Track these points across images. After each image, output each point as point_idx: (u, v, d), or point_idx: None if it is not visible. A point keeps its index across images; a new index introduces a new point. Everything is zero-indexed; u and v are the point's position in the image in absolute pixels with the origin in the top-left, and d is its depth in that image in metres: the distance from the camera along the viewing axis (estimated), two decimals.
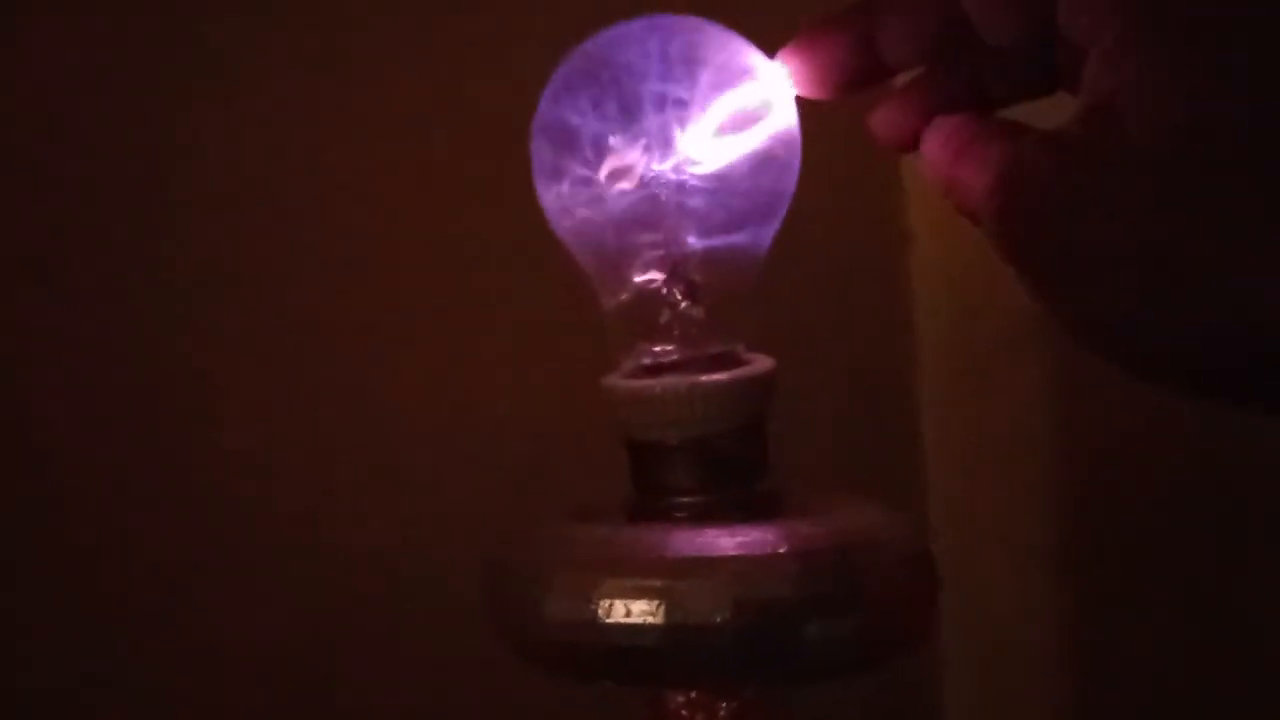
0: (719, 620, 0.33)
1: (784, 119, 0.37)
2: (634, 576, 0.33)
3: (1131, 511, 0.61)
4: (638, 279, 0.38)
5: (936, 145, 0.35)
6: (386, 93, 0.52)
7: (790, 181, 0.38)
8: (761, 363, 0.38)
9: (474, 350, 0.54)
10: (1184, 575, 0.60)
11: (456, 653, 0.51)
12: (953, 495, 0.66)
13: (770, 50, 0.37)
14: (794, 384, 0.61)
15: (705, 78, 0.37)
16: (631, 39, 0.37)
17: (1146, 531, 0.61)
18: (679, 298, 0.38)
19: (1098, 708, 0.63)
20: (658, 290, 0.38)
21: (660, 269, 0.38)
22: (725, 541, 0.34)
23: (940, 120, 0.36)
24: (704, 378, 0.37)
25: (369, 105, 0.52)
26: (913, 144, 0.36)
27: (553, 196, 0.38)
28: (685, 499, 0.37)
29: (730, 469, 0.37)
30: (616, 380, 0.38)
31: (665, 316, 0.39)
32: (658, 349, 0.38)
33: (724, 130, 0.37)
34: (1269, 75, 0.30)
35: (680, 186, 0.37)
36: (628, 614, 0.33)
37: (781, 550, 0.34)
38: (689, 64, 0.37)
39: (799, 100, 0.37)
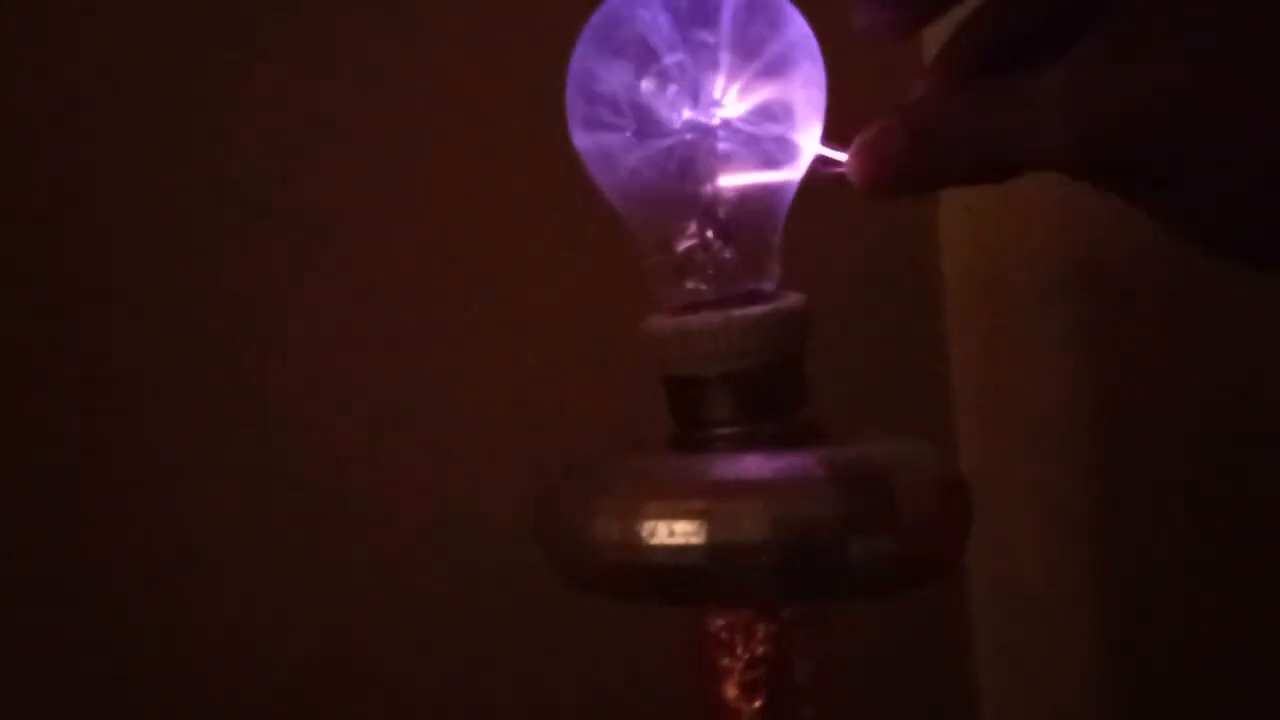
0: (759, 539, 0.34)
1: (808, 66, 0.38)
2: (676, 499, 0.35)
3: (1157, 468, 0.62)
4: (673, 221, 0.40)
5: (953, 110, 0.36)
6: (393, 90, 0.53)
7: (813, 129, 0.38)
8: (795, 298, 0.39)
9: (485, 348, 0.55)
10: (1210, 530, 0.60)
11: (479, 653, 0.52)
12: (981, 453, 0.67)
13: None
14: (823, 347, 0.62)
15: (734, 27, 0.38)
16: None
17: (1171, 487, 0.61)
18: (713, 238, 0.40)
19: (1127, 662, 0.63)
20: (692, 231, 0.40)
21: (694, 210, 0.40)
22: (764, 465, 0.35)
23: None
24: (738, 312, 0.38)
25: (377, 102, 0.53)
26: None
27: (588, 144, 0.39)
28: (725, 430, 0.38)
29: (767, 400, 0.38)
30: (654, 319, 0.39)
31: (700, 256, 0.40)
32: (693, 288, 0.40)
33: (751, 77, 0.38)
34: None
35: (709, 130, 0.39)
36: (671, 535, 0.34)
37: (819, 473, 0.35)
38: (716, 12, 0.38)
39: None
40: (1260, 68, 0.31)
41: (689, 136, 0.39)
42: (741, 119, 0.39)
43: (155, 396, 0.50)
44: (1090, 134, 0.33)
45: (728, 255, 0.40)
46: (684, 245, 0.40)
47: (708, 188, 0.39)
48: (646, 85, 0.39)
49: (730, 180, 0.39)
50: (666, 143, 0.39)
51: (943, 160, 0.36)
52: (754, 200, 0.39)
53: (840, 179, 0.38)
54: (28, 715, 0.48)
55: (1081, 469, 0.64)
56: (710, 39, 0.38)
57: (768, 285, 0.40)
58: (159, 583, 0.50)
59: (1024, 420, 0.66)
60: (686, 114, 0.39)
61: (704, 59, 0.38)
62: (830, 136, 0.39)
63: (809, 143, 0.39)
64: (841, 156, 0.38)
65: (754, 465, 0.35)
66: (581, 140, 0.39)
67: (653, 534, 0.34)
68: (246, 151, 0.51)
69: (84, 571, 0.49)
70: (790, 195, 0.40)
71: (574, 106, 0.39)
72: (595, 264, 0.54)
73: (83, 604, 0.49)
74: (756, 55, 0.38)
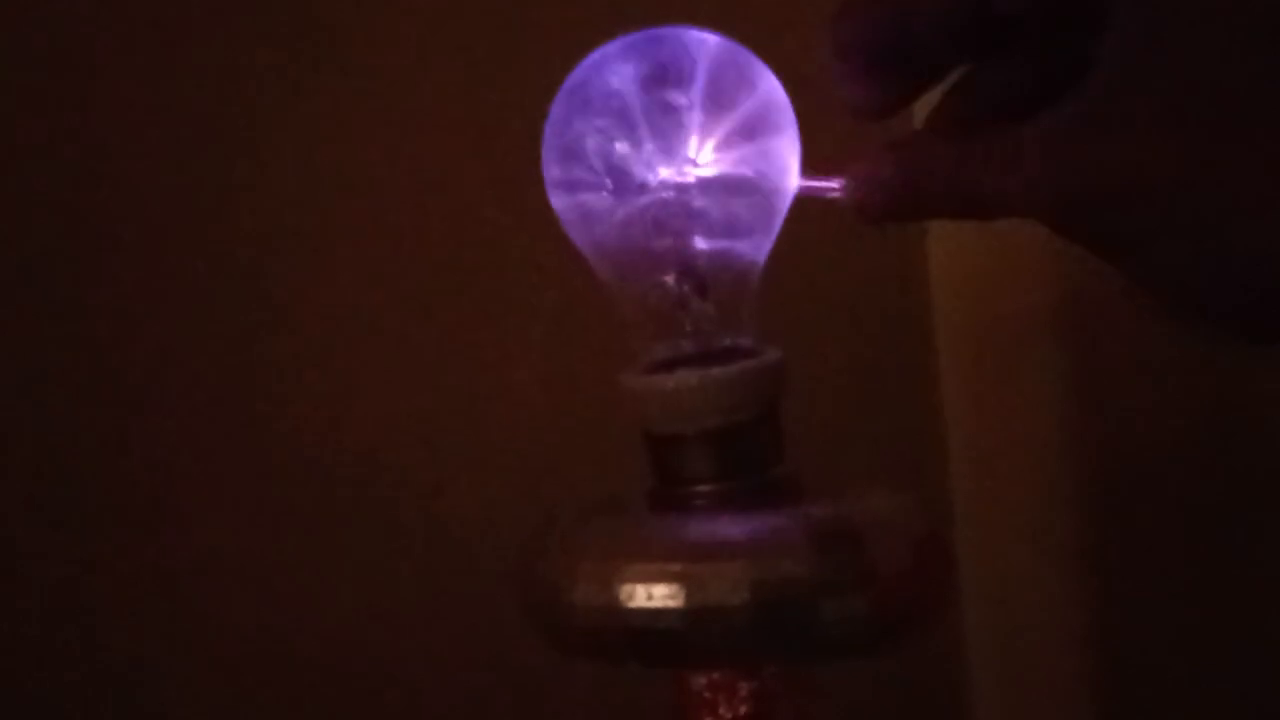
0: (737, 602, 0.34)
1: (782, 124, 0.39)
2: (654, 562, 0.35)
3: (1149, 502, 0.62)
4: (650, 279, 0.40)
5: (940, 152, 0.36)
6: (404, 93, 0.53)
7: (787, 186, 0.39)
8: (770, 354, 0.39)
9: (495, 347, 0.55)
10: (1204, 563, 0.60)
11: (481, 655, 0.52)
12: (975, 490, 0.67)
13: (769, 55, 0.39)
14: (814, 383, 0.63)
15: (706, 85, 0.38)
16: (631, 51, 0.38)
17: (1164, 520, 0.61)
18: (690, 294, 0.40)
19: (1120, 699, 0.63)
20: (669, 288, 0.40)
21: (671, 268, 0.40)
22: (741, 526, 0.36)
23: (931, 132, 0.37)
24: (714, 370, 0.38)
25: (385, 105, 0.53)
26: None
27: (566, 206, 0.39)
28: (703, 487, 0.38)
29: (745, 457, 0.38)
30: (633, 377, 0.39)
31: (677, 313, 0.40)
32: (671, 344, 0.40)
33: (724, 135, 0.39)
34: None
35: (685, 189, 0.39)
36: (649, 598, 0.34)
37: (796, 533, 0.35)
38: (689, 72, 0.38)
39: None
40: (1234, 146, 0.31)
41: (665, 195, 0.39)
42: (716, 176, 0.39)
43: (156, 396, 0.50)
44: (1064, 196, 0.34)
45: (705, 311, 0.40)
46: (662, 302, 0.40)
47: (684, 245, 0.40)
48: (621, 145, 0.39)
49: (707, 237, 0.40)
50: (642, 201, 0.39)
51: (929, 197, 0.36)
52: (731, 256, 0.40)
53: (830, 202, 0.38)
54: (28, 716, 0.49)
55: (1074, 503, 0.64)
56: (683, 98, 0.39)
57: (746, 340, 0.40)
58: (159, 584, 0.50)
59: (1016, 454, 0.66)
60: (662, 172, 0.39)
61: (677, 118, 0.39)
62: (819, 155, 0.39)
63: (786, 195, 0.40)
64: (831, 184, 0.38)
65: (730, 526, 0.36)
66: (558, 200, 0.40)
67: (630, 598, 0.35)
68: (253, 154, 0.51)
69: (85, 570, 0.49)
70: (768, 248, 0.40)
71: (550, 167, 0.39)
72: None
73: (83, 607, 0.49)
74: (729, 113, 0.39)
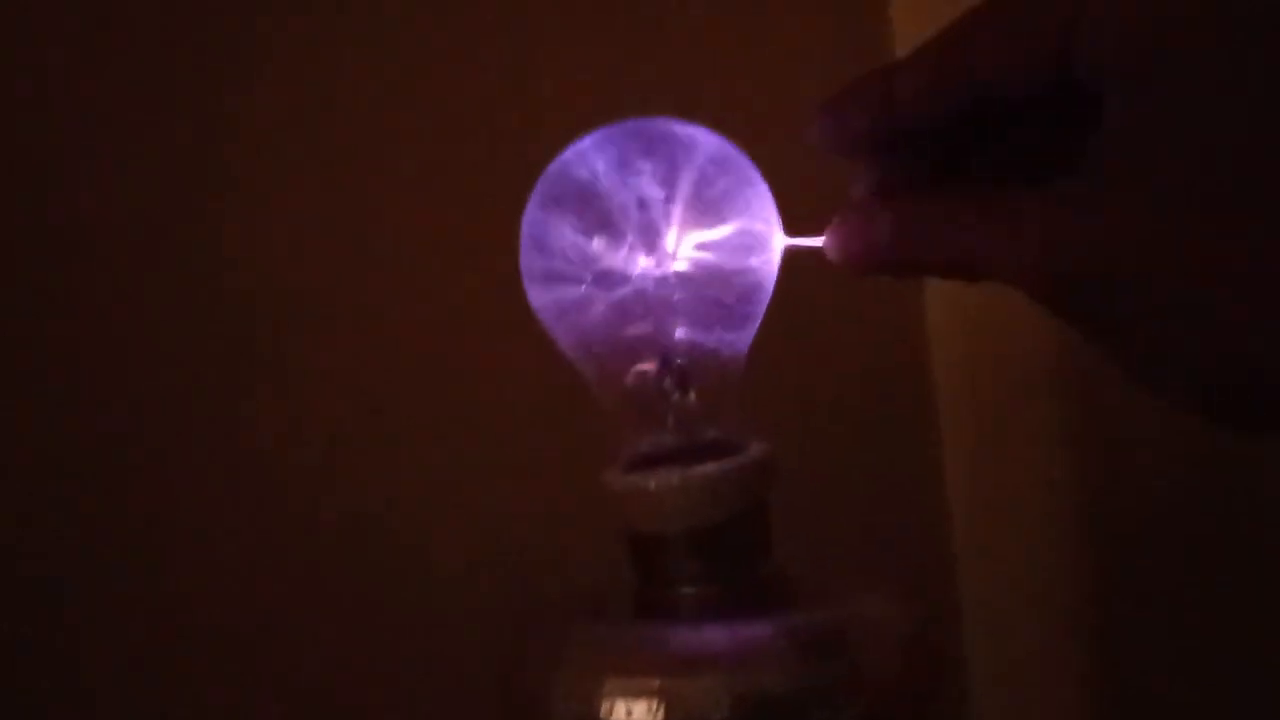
0: (717, 717, 0.33)
1: (763, 216, 0.38)
2: (634, 676, 0.34)
3: (1149, 558, 0.61)
4: (631, 372, 0.39)
5: (933, 212, 0.35)
6: (391, 168, 0.53)
7: (768, 279, 0.38)
8: (756, 448, 0.39)
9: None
10: (1207, 620, 0.59)
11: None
12: (975, 549, 0.67)
13: (745, 141, 0.38)
14: (812, 434, 0.62)
15: (683, 178, 0.37)
16: (606, 145, 0.38)
17: (1168, 576, 0.60)
18: (672, 387, 0.39)
19: None
20: (651, 381, 0.39)
21: (652, 361, 0.39)
22: (724, 634, 0.35)
23: (926, 194, 0.36)
24: (696, 469, 0.37)
25: (372, 172, 0.53)
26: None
27: (543, 300, 0.39)
28: (687, 589, 0.37)
29: (730, 557, 0.37)
30: (613, 474, 0.38)
31: (660, 406, 0.39)
32: (654, 438, 0.39)
33: (704, 228, 0.38)
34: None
35: (664, 282, 0.38)
36: (629, 714, 0.34)
37: (779, 643, 0.34)
38: (667, 164, 0.38)
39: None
40: (1226, 239, 0.31)
41: (644, 287, 0.39)
42: (696, 269, 0.38)
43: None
44: (1059, 273, 0.33)
45: (688, 404, 0.39)
46: (643, 396, 0.39)
47: (665, 337, 0.39)
48: (600, 239, 0.38)
49: (687, 329, 0.39)
50: (622, 294, 0.39)
51: (918, 256, 0.36)
52: (712, 348, 0.39)
53: (816, 254, 0.38)
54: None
55: (1075, 561, 0.63)
56: (660, 191, 0.38)
57: (731, 432, 0.39)
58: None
59: (1016, 503, 0.65)
60: (641, 265, 0.38)
61: (655, 211, 0.38)
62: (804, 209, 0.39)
63: (767, 286, 0.39)
64: (817, 242, 0.37)
65: (713, 637, 0.35)
66: (537, 296, 0.39)
67: (610, 713, 0.34)
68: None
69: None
70: (750, 338, 0.40)
71: (529, 262, 0.39)
72: None
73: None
74: (707, 205, 0.38)
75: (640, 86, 0.58)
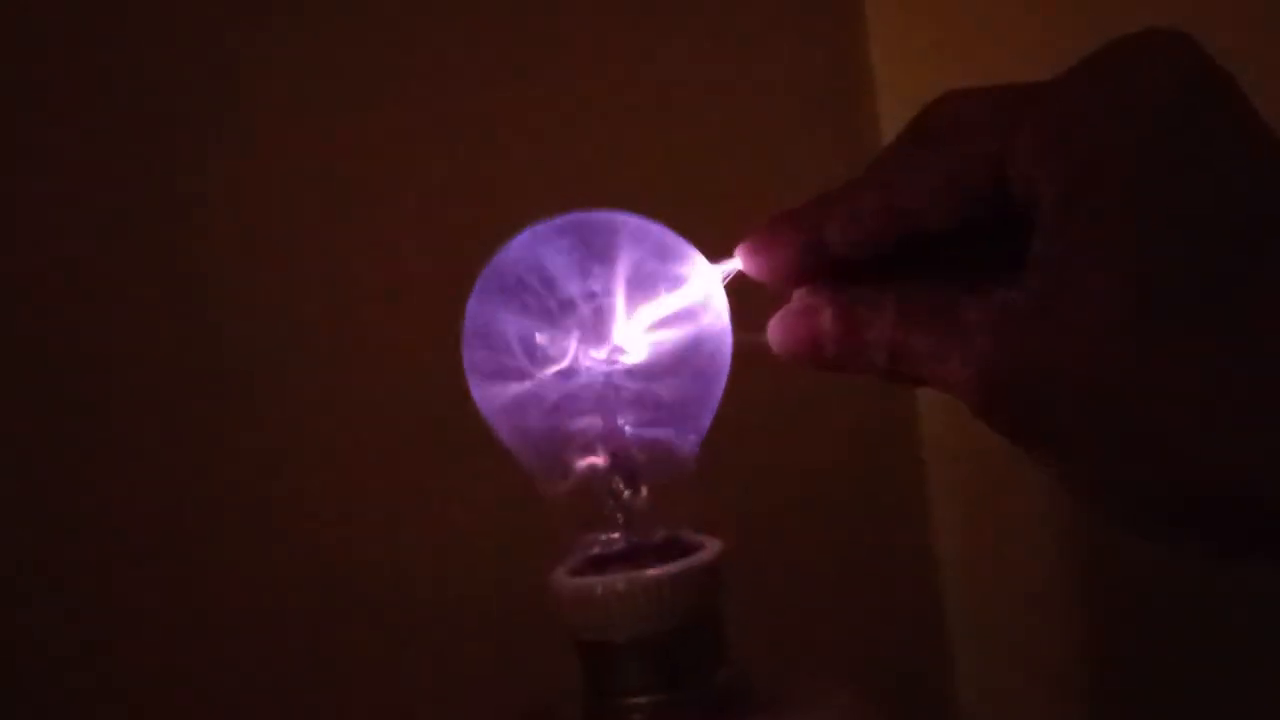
0: None
1: (713, 313, 0.36)
2: None
3: (1145, 616, 0.59)
4: (577, 469, 0.37)
5: (877, 319, 0.34)
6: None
7: (720, 373, 0.37)
8: (710, 549, 0.37)
9: None
10: (1200, 681, 0.58)
11: None
12: (966, 603, 0.65)
13: (698, 241, 0.37)
14: (801, 498, 0.60)
15: (627, 271, 0.36)
16: (549, 238, 0.36)
17: (1161, 637, 0.59)
18: (620, 485, 0.37)
19: None
20: (598, 479, 0.37)
21: (599, 457, 0.37)
22: None
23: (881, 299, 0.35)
24: (643, 572, 0.35)
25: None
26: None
27: (488, 396, 0.37)
28: (636, 699, 0.35)
29: (681, 665, 0.36)
30: (559, 577, 0.36)
31: (608, 505, 0.38)
32: (603, 538, 0.37)
33: (650, 320, 0.37)
34: (1214, 222, 0.30)
35: (610, 376, 0.37)
36: None
37: None
38: (611, 259, 0.36)
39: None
40: (1171, 359, 0.29)
41: (589, 382, 0.37)
42: (643, 362, 0.37)
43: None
44: (1005, 388, 0.32)
45: (637, 503, 0.37)
46: (592, 494, 0.37)
47: (612, 433, 0.37)
48: (543, 334, 0.37)
49: (635, 425, 0.37)
50: (566, 388, 0.37)
51: (862, 356, 0.35)
52: (662, 443, 0.37)
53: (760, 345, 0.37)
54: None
55: (1068, 616, 0.62)
56: (605, 286, 0.36)
57: (685, 530, 0.38)
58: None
59: (1008, 565, 0.63)
60: (587, 359, 0.37)
61: (602, 306, 0.37)
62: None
63: (718, 378, 0.37)
64: (761, 338, 0.37)
65: None
66: (480, 390, 0.37)
67: None
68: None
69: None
70: (703, 432, 0.38)
71: (471, 356, 0.37)
72: None
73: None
74: (654, 299, 0.37)
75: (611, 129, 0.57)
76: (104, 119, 0.47)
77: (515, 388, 0.37)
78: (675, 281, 0.37)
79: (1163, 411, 0.29)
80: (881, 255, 0.34)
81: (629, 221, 0.36)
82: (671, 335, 0.37)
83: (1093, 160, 0.31)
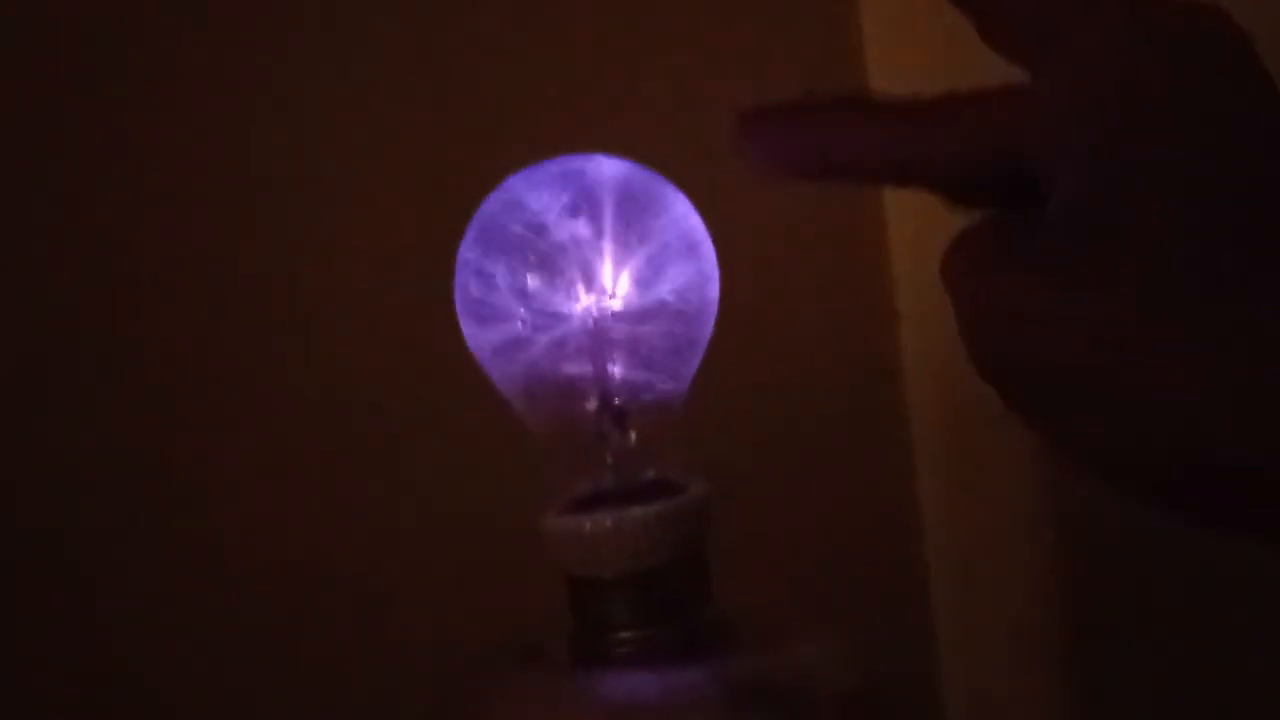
0: None
1: (697, 248, 0.37)
2: None
3: (1128, 586, 0.60)
4: (568, 411, 0.38)
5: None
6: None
7: (708, 317, 0.37)
8: (695, 489, 0.37)
9: None
10: (1188, 658, 0.58)
11: None
12: (952, 577, 0.65)
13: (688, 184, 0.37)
14: (787, 472, 0.61)
15: (616, 214, 0.37)
16: (538, 183, 0.37)
17: (1148, 613, 0.59)
18: (609, 428, 0.38)
19: None
20: (589, 421, 0.38)
21: (590, 400, 0.38)
22: (653, 686, 0.34)
23: None
24: (632, 510, 0.36)
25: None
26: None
27: (479, 338, 0.38)
28: (622, 635, 0.36)
29: (666, 603, 0.37)
30: (550, 517, 0.37)
31: (598, 446, 0.38)
32: (592, 479, 0.38)
33: (638, 264, 0.37)
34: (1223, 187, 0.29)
35: (599, 320, 0.37)
36: None
37: (711, 692, 0.33)
38: (599, 202, 0.37)
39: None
40: (1163, 329, 0.29)
41: (579, 326, 0.38)
42: (632, 306, 0.38)
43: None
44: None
45: (626, 444, 0.38)
46: (581, 436, 0.38)
47: (602, 376, 0.38)
48: (535, 277, 0.37)
49: (625, 368, 0.38)
50: (557, 333, 0.38)
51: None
52: (651, 386, 0.38)
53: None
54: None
55: (1051, 590, 0.62)
56: (594, 230, 0.37)
57: (672, 472, 0.38)
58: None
59: (994, 542, 0.64)
60: (577, 304, 0.38)
61: (590, 250, 0.37)
62: None
63: (706, 321, 0.38)
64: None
65: (642, 686, 0.34)
66: (472, 334, 0.38)
67: None
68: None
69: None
70: (690, 375, 0.39)
71: (463, 301, 0.38)
72: None
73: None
74: (642, 241, 0.37)
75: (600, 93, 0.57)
76: (104, 119, 0.47)
77: (506, 331, 0.38)
78: (664, 226, 0.37)
79: (1165, 376, 0.29)
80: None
81: (618, 165, 0.37)
82: (660, 279, 0.37)
83: (1131, 121, 0.29)
